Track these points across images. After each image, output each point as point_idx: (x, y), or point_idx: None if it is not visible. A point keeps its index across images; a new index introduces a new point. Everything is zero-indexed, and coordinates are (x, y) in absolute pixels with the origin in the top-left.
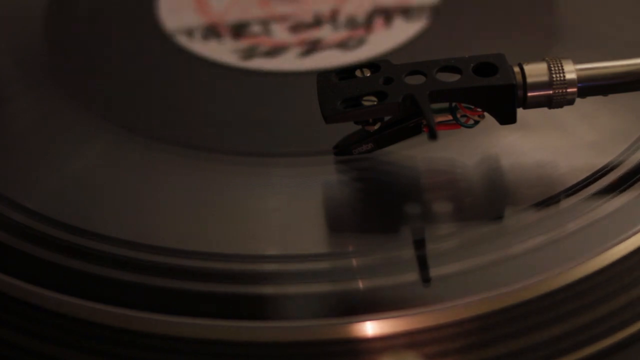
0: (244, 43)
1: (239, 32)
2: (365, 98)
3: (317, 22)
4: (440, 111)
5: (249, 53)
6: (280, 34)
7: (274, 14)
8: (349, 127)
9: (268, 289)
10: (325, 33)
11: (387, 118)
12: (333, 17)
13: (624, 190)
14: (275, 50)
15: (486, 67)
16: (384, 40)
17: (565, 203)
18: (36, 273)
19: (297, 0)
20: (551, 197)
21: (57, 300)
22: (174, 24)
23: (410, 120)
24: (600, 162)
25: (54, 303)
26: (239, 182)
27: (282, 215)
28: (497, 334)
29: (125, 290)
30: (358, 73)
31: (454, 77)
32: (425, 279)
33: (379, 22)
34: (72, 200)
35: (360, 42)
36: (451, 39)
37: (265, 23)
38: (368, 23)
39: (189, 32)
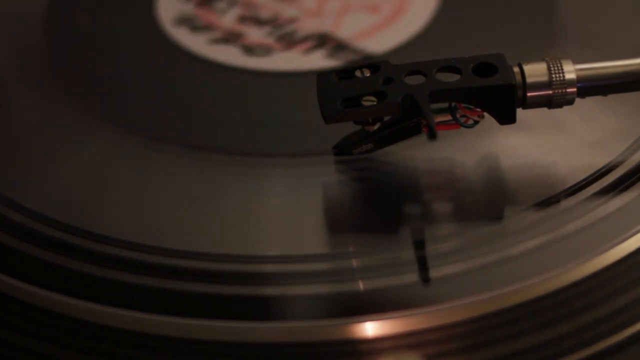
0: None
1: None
2: (365, 98)
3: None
4: (440, 111)
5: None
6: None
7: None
8: (349, 127)
9: (268, 289)
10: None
11: (386, 118)
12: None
13: (624, 190)
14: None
15: (486, 67)
16: (384, 40)
17: (565, 203)
18: (36, 273)
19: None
20: (551, 197)
21: (57, 300)
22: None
23: (410, 120)
24: (600, 162)
25: (54, 303)
26: (239, 182)
27: (282, 215)
28: (497, 334)
29: (126, 291)
30: (358, 73)
31: (453, 77)
32: (426, 280)
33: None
34: (72, 200)
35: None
36: (451, 39)
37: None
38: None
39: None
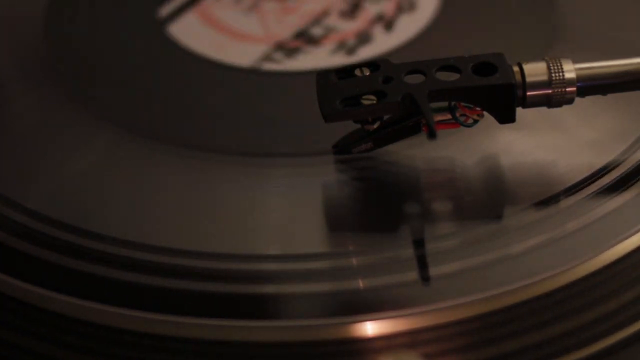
0: (329, 45)
1: (310, 40)
2: (364, 97)
3: (355, 5)
4: (440, 110)
5: (347, 49)
6: (343, 24)
7: (312, 15)
8: (349, 127)
9: (268, 289)
10: (374, 8)
11: (386, 117)
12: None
13: (624, 190)
14: (364, 37)
15: (485, 66)
16: (387, 39)
17: (565, 203)
18: (36, 273)
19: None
20: (551, 197)
21: (57, 300)
22: (247, 59)
23: (410, 120)
24: (600, 162)
25: (54, 303)
26: (239, 182)
27: (282, 215)
28: (497, 333)
29: (125, 290)
30: (357, 72)
31: (453, 77)
32: (425, 279)
33: None
34: (72, 200)
35: (410, 3)
36: (451, 39)
37: (317, 23)
38: None
39: (270, 58)
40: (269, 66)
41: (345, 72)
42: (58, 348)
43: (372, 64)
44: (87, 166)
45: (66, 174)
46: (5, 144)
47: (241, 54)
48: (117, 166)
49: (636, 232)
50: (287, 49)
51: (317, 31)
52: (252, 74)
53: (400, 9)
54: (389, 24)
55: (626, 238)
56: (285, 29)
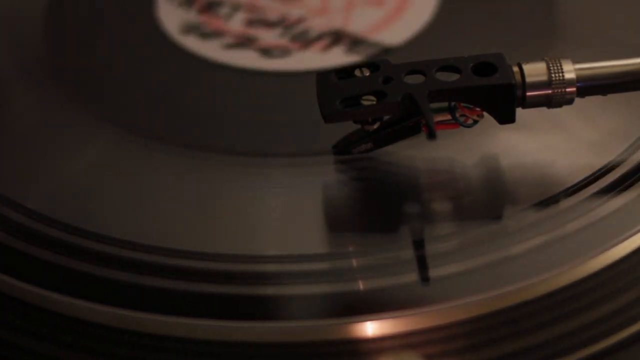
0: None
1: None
2: (364, 97)
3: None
4: (440, 111)
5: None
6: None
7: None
8: (349, 127)
9: (268, 289)
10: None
11: (386, 117)
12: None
13: (624, 190)
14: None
15: (485, 66)
16: (398, 31)
17: (565, 203)
18: (36, 273)
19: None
20: (551, 197)
21: (57, 300)
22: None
23: (410, 120)
24: (600, 162)
25: (54, 303)
26: (239, 182)
27: (282, 215)
28: (497, 334)
29: (125, 291)
30: (357, 72)
31: (453, 77)
32: (425, 279)
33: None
34: (72, 200)
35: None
36: (451, 39)
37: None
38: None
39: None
40: (290, 67)
41: (345, 72)
42: (58, 348)
43: (372, 65)
44: (87, 166)
45: (66, 174)
46: (5, 144)
47: (206, 47)
48: (117, 166)
49: (636, 232)
50: (247, 43)
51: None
52: (253, 74)
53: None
54: (358, 41)
55: (626, 238)
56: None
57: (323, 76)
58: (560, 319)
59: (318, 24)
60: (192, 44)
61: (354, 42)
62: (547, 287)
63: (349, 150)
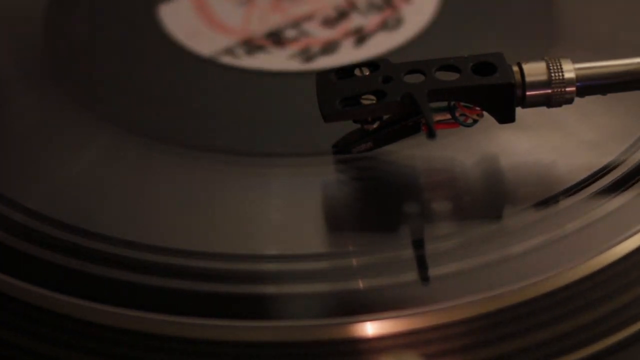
0: (293, 48)
1: (278, 40)
2: (364, 97)
3: (342, 14)
4: (439, 110)
5: (306, 56)
6: (318, 32)
7: (296, 16)
8: (348, 126)
9: (268, 289)
10: (359, 21)
11: (386, 117)
12: (353, 6)
13: (624, 190)
14: (330, 47)
15: (485, 66)
16: (417, 15)
17: (565, 203)
18: (36, 273)
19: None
20: (551, 197)
21: (57, 300)
22: (207, 48)
23: (409, 119)
24: (600, 162)
25: (54, 303)
26: (239, 182)
27: (282, 215)
28: (497, 334)
29: (125, 290)
30: (357, 72)
31: (453, 76)
32: (425, 279)
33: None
34: (72, 200)
35: (397, 21)
36: (451, 39)
37: (296, 26)
38: (388, 3)
39: (230, 52)
40: (332, 63)
41: (344, 72)
42: (58, 348)
43: (372, 64)
44: (87, 166)
45: (66, 174)
46: (5, 144)
47: (207, 43)
48: (117, 166)
49: (636, 232)
50: (252, 45)
51: (290, 33)
52: (252, 74)
53: (383, 26)
54: (361, 39)
55: (626, 239)
56: (262, 26)
57: (323, 76)
58: (560, 319)
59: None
60: (173, 27)
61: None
62: (547, 287)
63: (348, 149)
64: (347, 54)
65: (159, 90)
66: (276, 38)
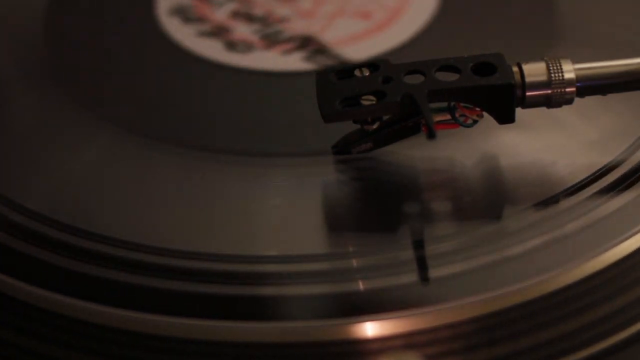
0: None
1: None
2: (364, 97)
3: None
4: (439, 110)
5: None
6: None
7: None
8: (348, 127)
9: (268, 290)
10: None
11: (386, 117)
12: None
13: (624, 190)
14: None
15: (485, 66)
16: (367, 47)
17: (565, 203)
18: (36, 273)
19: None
20: (551, 197)
21: (57, 300)
22: (179, 34)
23: (409, 120)
24: (600, 161)
25: (54, 303)
26: (239, 182)
27: (282, 215)
28: (497, 334)
29: (126, 291)
30: (357, 72)
31: (453, 77)
32: (425, 280)
33: None
34: (72, 200)
35: None
36: (451, 39)
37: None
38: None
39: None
40: (247, 64)
41: (344, 72)
42: (58, 348)
43: (372, 64)
44: (87, 166)
45: (66, 174)
46: (5, 144)
47: (185, 29)
48: (117, 166)
49: (637, 232)
50: (220, 33)
51: (269, 30)
52: (252, 74)
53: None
54: (322, 50)
55: (626, 239)
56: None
57: (323, 76)
58: (560, 319)
59: (296, 27)
60: (173, 27)
61: (317, 51)
62: (547, 287)
63: (348, 150)
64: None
65: (159, 91)
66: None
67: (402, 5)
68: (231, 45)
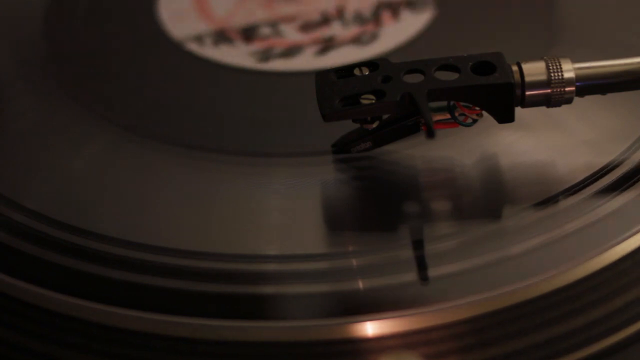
0: (258, 46)
1: (249, 36)
2: (363, 96)
3: (325, 20)
4: (439, 110)
5: (265, 55)
6: (291, 34)
7: (280, 15)
8: (348, 126)
9: (268, 289)
10: (336, 30)
11: (385, 116)
12: (340, 14)
13: (624, 190)
14: (291, 51)
15: (484, 65)
16: (395, 34)
17: (565, 203)
18: (36, 273)
19: (300, 0)
20: (551, 197)
21: (57, 300)
22: (181, 31)
23: (409, 119)
24: (600, 161)
25: (54, 303)
26: (239, 182)
27: (281, 215)
28: (496, 334)
29: (125, 290)
30: (357, 71)
31: (452, 76)
32: (425, 279)
33: (386, 15)
34: (72, 200)
35: (373, 36)
36: (451, 38)
37: (274, 24)
38: (376, 17)
39: (199, 39)
40: (288, 67)
41: (344, 71)
42: (58, 348)
43: (371, 63)
44: (87, 166)
45: (66, 174)
46: (5, 144)
47: (184, 28)
48: (117, 166)
49: (636, 232)
50: (222, 36)
51: (264, 31)
52: (252, 74)
53: (355, 40)
54: (325, 49)
55: (626, 238)
56: (243, 20)
57: (322, 75)
58: (560, 319)
59: (358, 4)
60: (174, 26)
61: (409, 3)
62: (547, 287)
63: (348, 149)
64: (305, 61)
65: (159, 91)
66: (248, 33)
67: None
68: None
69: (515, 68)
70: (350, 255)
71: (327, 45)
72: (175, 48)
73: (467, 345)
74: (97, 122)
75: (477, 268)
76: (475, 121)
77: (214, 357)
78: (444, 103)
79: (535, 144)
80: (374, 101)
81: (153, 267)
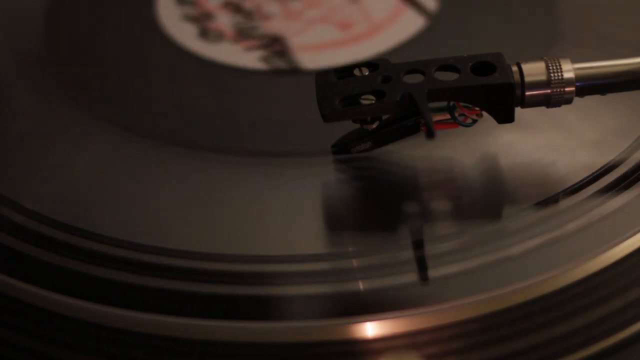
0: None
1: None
2: (363, 97)
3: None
4: (439, 110)
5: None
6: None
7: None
8: (348, 126)
9: (268, 290)
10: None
11: (385, 117)
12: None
13: (624, 190)
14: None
15: (484, 66)
16: (395, 34)
17: (565, 203)
18: (36, 273)
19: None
20: (551, 197)
21: (57, 300)
22: (181, 31)
23: (409, 119)
24: (600, 161)
25: (54, 303)
26: (239, 182)
27: (282, 215)
28: (497, 334)
29: (125, 291)
30: (356, 72)
31: (452, 76)
32: (425, 279)
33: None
34: (72, 200)
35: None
36: (451, 39)
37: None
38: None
39: (203, 34)
40: (209, 54)
41: (344, 71)
42: (58, 348)
43: (371, 64)
44: (87, 166)
45: (66, 174)
46: (5, 144)
47: (183, 27)
48: (117, 166)
49: (636, 232)
50: (201, 19)
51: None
52: (251, 74)
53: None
54: (282, 53)
55: (627, 239)
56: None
57: (322, 75)
58: (560, 319)
59: (273, 26)
60: (175, 28)
61: (276, 53)
62: (547, 287)
63: (348, 149)
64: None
65: (159, 91)
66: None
67: (387, 22)
68: (204, 33)
69: (515, 68)
70: (350, 256)
71: (282, 48)
72: (175, 48)
73: (467, 346)
74: (97, 122)
75: (477, 268)
76: (475, 121)
77: (214, 357)
78: (443, 103)
79: (535, 144)
80: (374, 101)
81: (152, 267)
